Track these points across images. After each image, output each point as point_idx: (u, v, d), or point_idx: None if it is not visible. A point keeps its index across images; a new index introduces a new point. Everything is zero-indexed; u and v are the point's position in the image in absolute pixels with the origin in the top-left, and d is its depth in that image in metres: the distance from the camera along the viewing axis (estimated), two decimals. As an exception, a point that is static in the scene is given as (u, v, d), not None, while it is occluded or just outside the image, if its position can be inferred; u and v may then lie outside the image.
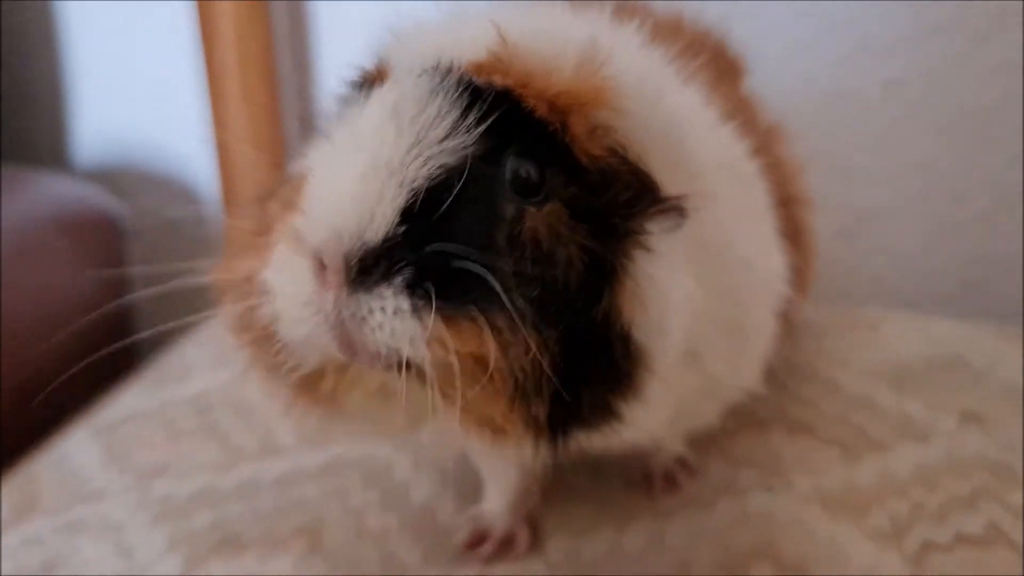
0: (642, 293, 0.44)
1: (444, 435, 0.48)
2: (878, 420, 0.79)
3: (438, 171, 0.41)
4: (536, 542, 0.66)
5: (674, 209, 0.47)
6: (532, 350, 0.41)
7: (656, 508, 0.68)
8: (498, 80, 0.43)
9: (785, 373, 0.82)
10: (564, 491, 0.70)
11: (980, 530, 0.66)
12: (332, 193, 0.40)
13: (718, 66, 0.67)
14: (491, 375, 0.40)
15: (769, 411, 0.79)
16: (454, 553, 0.65)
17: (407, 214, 0.40)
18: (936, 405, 0.81)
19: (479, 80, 0.43)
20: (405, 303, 0.40)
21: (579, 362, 0.43)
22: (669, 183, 0.47)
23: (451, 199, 0.40)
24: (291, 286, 0.42)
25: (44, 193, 1.15)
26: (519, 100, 0.42)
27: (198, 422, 0.84)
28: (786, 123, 0.80)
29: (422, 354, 0.40)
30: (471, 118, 0.42)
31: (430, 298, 0.39)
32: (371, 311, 0.40)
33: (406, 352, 0.40)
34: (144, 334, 0.62)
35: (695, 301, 0.49)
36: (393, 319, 0.40)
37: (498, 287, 0.40)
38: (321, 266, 0.40)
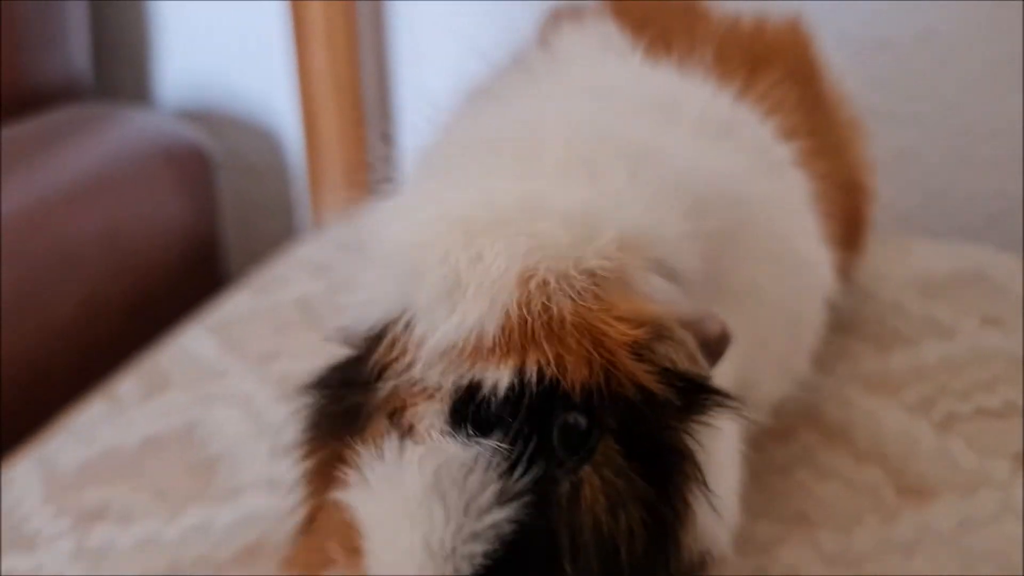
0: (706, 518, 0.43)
1: None
2: (908, 322, 0.89)
3: (491, 546, 0.38)
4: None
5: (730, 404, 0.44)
6: None
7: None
8: (531, 365, 0.39)
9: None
10: None
11: (998, 405, 0.76)
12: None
13: (800, 77, 0.74)
14: None
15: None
16: None
17: None
18: (960, 311, 0.90)
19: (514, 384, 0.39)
20: None
21: None
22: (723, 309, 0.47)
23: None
24: None
25: (143, 127, 1.26)
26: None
27: (301, 317, 0.95)
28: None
29: None
30: (516, 442, 0.39)
31: None
32: None
33: None
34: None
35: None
36: None
37: None
38: None
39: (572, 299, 0.40)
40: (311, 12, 1.24)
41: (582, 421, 0.40)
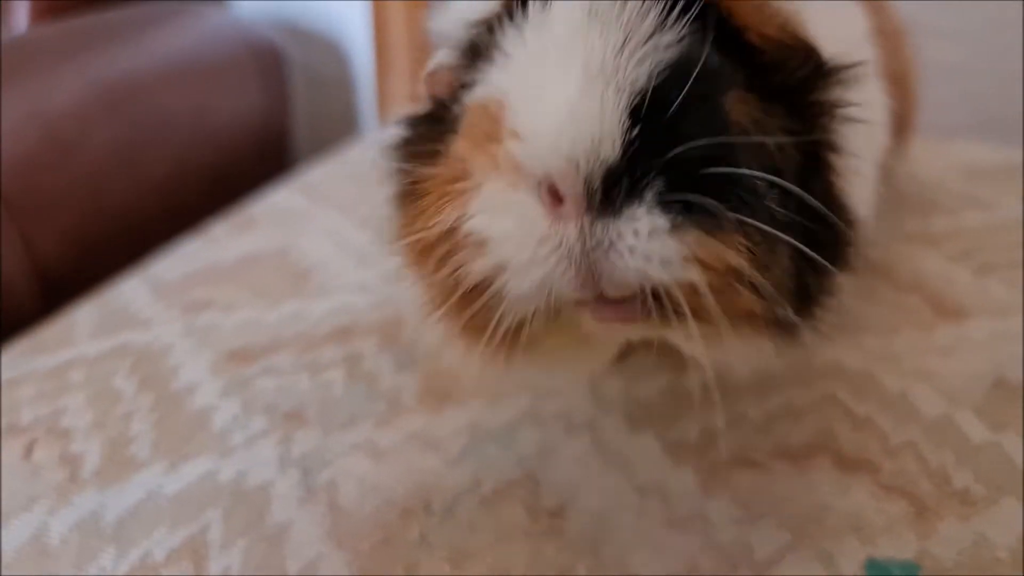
0: (849, 163, 0.43)
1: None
2: (950, 197, 0.94)
3: (657, 69, 0.36)
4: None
5: (851, 76, 0.44)
6: (785, 251, 0.38)
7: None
8: None
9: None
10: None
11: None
12: (550, 111, 0.35)
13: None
14: (748, 286, 0.37)
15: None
16: None
17: (636, 120, 0.35)
18: (1001, 191, 0.95)
19: None
20: (662, 220, 0.35)
21: (811, 249, 0.39)
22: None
23: (680, 97, 0.35)
24: (518, 228, 0.37)
25: (226, 23, 1.34)
26: None
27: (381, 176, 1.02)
28: None
29: (680, 276, 0.36)
30: (670, 8, 0.38)
31: (686, 211, 0.35)
32: (621, 235, 0.35)
33: (662, 275, 0.36)
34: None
35: None
36: (649, 241, 0.35)
37: (752, 190, 0.37)
38: (555, 196, 0.36)
39: None
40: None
41: (717, 62, 0.39)
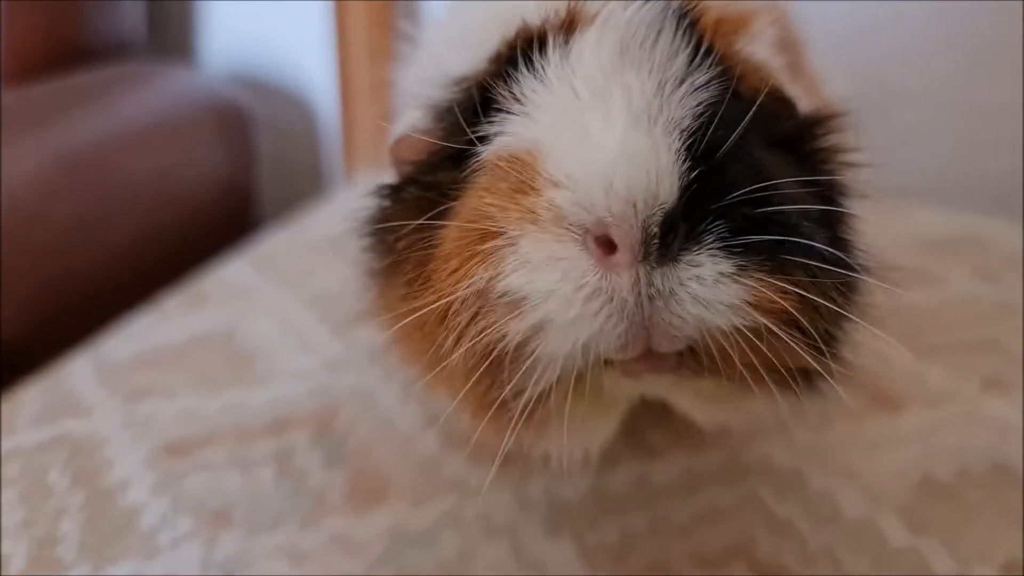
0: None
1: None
2: (899, 272, 0.94)
3: (698, 109, 0.35)
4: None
5: (844, 123, 0.44)
6: (833, 294, 0.37)
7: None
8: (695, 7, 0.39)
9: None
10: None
11: (977, 340, 0.81)
12: (598, 154, 0.33)
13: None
14: (798, 331, 0.36)
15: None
16: None
17: (688, 160, 0.34)
18: (953, 264, 0.96)
19: (689, 7, 0.39)
20: (726, 265, 0.34)
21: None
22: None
23: (733, 138, 0.35)
24: (564, 282, 0.34)
25: (191, 84, 1.36)
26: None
27: (333, 251, 1.03)
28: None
29: (741, 321, 0.35)
30: (697, 47, 0.37)
31: (748, 255, 0.34)
32: (683, 283, 0.34)
33: (723, 322, 0.35)
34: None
35: None
36: (714, 287, 0.34)
37: (802, 232, 0.35)
38: (606, 246, 0.33)
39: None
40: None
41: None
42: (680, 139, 0.34)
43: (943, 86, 1.22)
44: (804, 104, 0.44)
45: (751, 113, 0.36)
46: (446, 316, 0.37)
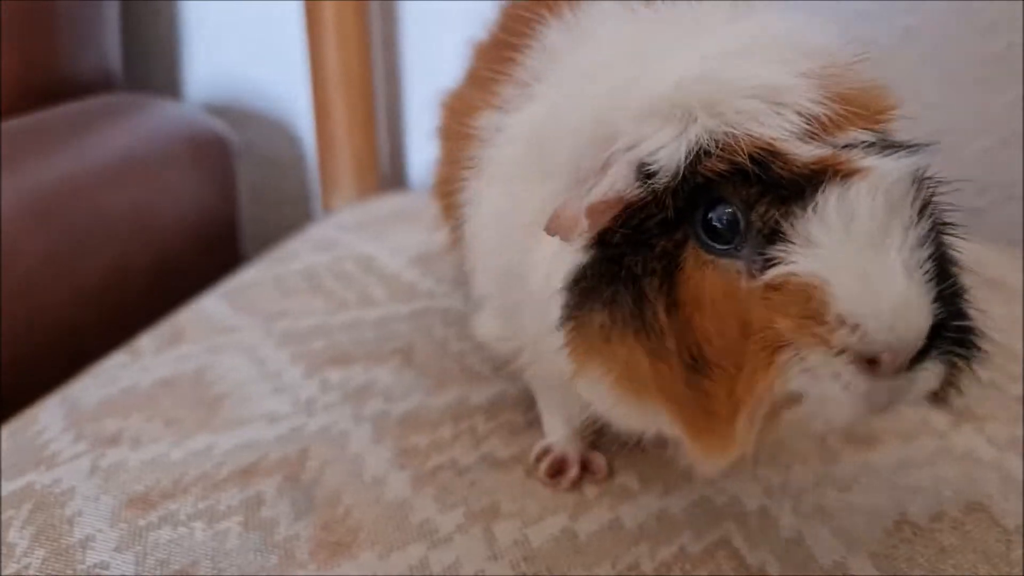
0: None
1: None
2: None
3: (934, 256, 0.44)
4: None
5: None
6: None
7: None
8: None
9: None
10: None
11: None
12: (882, 302, 0.41)
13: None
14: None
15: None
16: (537, 480, 0.68)
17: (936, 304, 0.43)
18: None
19: (914, 150, 0.46)
20: (942, 368, 0.45)
21: None
22: None
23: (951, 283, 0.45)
24: (840, 390, 0.43)
25: (170, 116, 1.34)
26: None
27: (307, 285, 1.02)
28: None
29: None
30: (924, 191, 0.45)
31: (954, 353, 0.45)
32: (914, 383, 0.44)
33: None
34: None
35: None
36: (933, 379, 0.45)
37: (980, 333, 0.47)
38: (873, 363, 0.42)
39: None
40: (325, 12, 1.33)
41: None
42: (931, 288, 0.43)
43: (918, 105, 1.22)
44: None
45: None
46: (735, 398, 0.45)
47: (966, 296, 0.47)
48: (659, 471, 0.69)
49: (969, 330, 0.46)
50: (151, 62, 1.63)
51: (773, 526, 0.63)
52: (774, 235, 0.44)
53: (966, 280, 0.48)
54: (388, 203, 1.32)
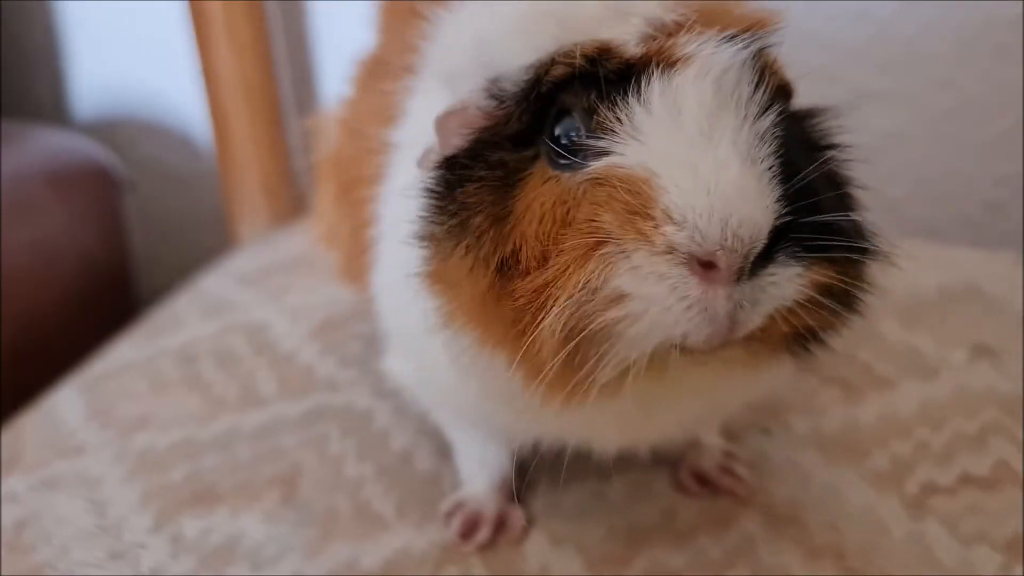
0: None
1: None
2: (885, 356, 0.75)
3: (776, 142, 0.41)
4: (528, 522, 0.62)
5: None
6: (859, 267, 0.44)
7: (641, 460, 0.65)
8: (739, 31, 0.43)
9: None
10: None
11: (987, 471, 0.63)
12: (712, 196, 0.38)
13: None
14: (832, 295, 0.42)
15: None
16: (446, 539, 0.61)
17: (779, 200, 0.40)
18: (947, 338, 0.77)
19: (751, 38, 0.42)
20: (797, 268, 0.40)
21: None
22: None
23: (809, 169, 0.41)
24: (670, 294, 0.39)
25: (37, 146, 1.14)
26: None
27: (183, 373, 0.83)
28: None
29: (797, 297, 0.41)
30: (762, 77, 0.42)
31: (809, 254, 0.41)
32: (764, 290, 0.40)
33: (786, 303, 0.41)
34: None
35: None
36: (787, 285, 0.40)
37: (848, 229, 0.43)
38: (708, 266, 0.38)
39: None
40: (212, 9, 1.11)
41: None
42: (770, 178, 0.39)
43: (922, 89, 1.02)
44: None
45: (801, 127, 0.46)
46: (543, 297, 0.41)
47: (847, 205, 0.45)
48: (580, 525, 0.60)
49: (838, 231, 0.41)
50: (30, 75, 1.40)
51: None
52: (606, 133, 0.41)
53: (855, 195, 0.46)
54: (301, 236, 1.11)
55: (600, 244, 0.40)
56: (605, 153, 0.41)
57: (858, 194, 0.48)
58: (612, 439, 0.54)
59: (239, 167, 1.20)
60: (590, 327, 0.40)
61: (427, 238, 0.46)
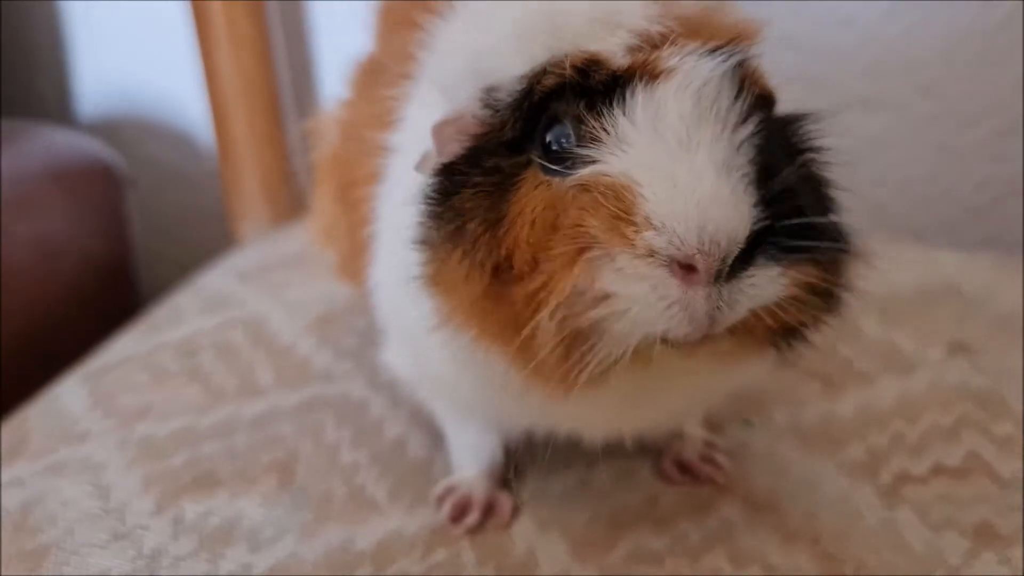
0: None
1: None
2: (864, 352, 0.78)
3: (754, 150, 0.43)
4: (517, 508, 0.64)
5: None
6: (838, 267, 0.46)
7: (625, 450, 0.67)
8: (726, 43, 0.45)
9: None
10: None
11: (959, 462, 0.65)
12: (689, 204, 0.40)
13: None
14: (814, 293, 0.45)
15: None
16: (437, 522, 0.63)
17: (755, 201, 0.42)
18: (925, 335, 0.79)
19: (731, 51, 0.45)
20: (776, 269, 0.42)
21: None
22: None
23: (792, 177, 0.44)
24: (651, 294, 0.41)
25: (39, 145, 1.16)
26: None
27: (183, 365, 0.85)
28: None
29: (778, 297, 0.43)
30: (742, 88, 0.44)
31: (788, 255, 0.43)
32: (743, 291, 0.42)
33: (766, 303, 0.43)
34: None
35: None
36: (766, 286, 0.42)
37: (830, 230, 0.45)
38: (688, 269, 0.41)
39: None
40: (213, 10, 1.13)
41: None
42: (749, 185, 0.41)
43: (904, 94, 1.04)
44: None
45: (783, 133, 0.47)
46: (537, 300, 0.43)
47: (826, 207, 0.47)
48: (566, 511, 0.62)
49: (817, 232, 0.44)
50: (33, 75, 1.43)
51: None
52: (593, 142, 0.44)
53: (835, 196, 0.48)
54: (301, 234, 1.13)
55: (586, 248, 0.42)
56: (592, 161, 0.43)
57: (840, 196, 0.50)
58: (601, 427, 0.57)
59: (239, 166, 1.22)
60: (579, 324, 0.43)
61: (425, 242, 0.48)
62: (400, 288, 0.51)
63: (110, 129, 1.42)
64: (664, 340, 0.43)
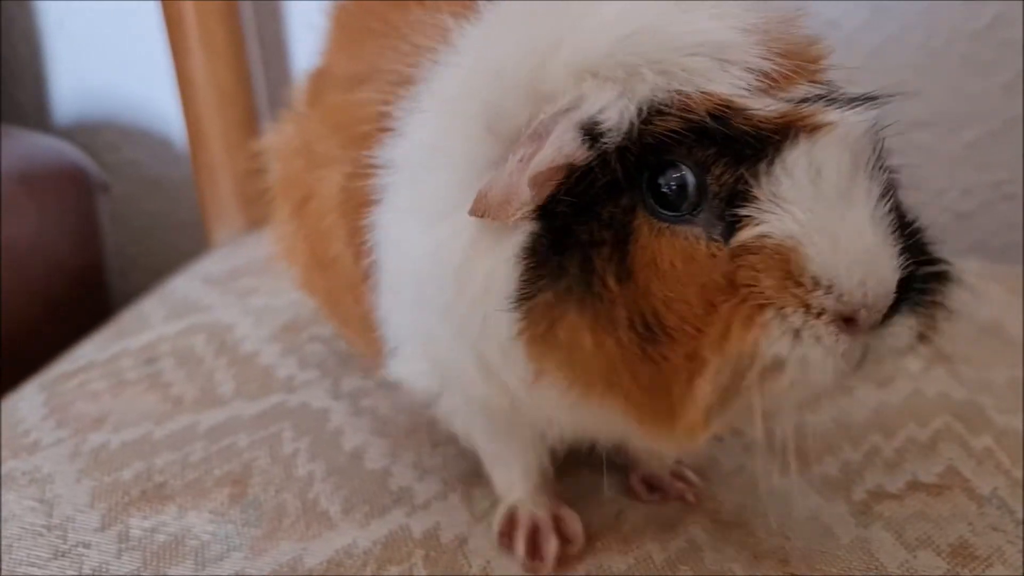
0: None
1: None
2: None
3: (898, 203, 0.44)
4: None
5: None
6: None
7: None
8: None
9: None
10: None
11: (935, 477, 0.63)
12: (854, 264, 0.41)
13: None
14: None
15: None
16: (390, 536, 0.60)
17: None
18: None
19: (877, 100, 0.45)
20: (915, 321, 0.44)
21: None
22: None
23: (919, 229, 0.45)
24: (823, 355, 0.42)
25: (10, 148, 1.13)
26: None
27: (143, 373, 0.82)
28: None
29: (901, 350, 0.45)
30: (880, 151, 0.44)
31: (928, 303, 0.44)
32: (884, 339, 0.43)
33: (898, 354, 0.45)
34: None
35: None
36: (905, 336, 0.44)
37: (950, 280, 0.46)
38: (849, 323, 0.41)
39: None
40: (185, 14, 1.11)
41: None
42: (898, 239, 0.42)
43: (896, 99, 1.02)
44: None
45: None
46: (699, 360, 0.42)
47: (927, 243, 0.46)
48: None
49: (937, 278, 0.45)
50: (10, 81, 1.40)
51: None
52: (735, 197, 0.42)
53: (921, 224, 0.46)
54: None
55: (762, 308, 0.41)
56: (747, 222, 0.41)
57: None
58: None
59: (214, 172, 1.20)
60: (742, 384, 0.42)
61: (526, 299, 0.44)
62: (429, 314, 0.49)
63: (86, 134, 1.40)
64: None
